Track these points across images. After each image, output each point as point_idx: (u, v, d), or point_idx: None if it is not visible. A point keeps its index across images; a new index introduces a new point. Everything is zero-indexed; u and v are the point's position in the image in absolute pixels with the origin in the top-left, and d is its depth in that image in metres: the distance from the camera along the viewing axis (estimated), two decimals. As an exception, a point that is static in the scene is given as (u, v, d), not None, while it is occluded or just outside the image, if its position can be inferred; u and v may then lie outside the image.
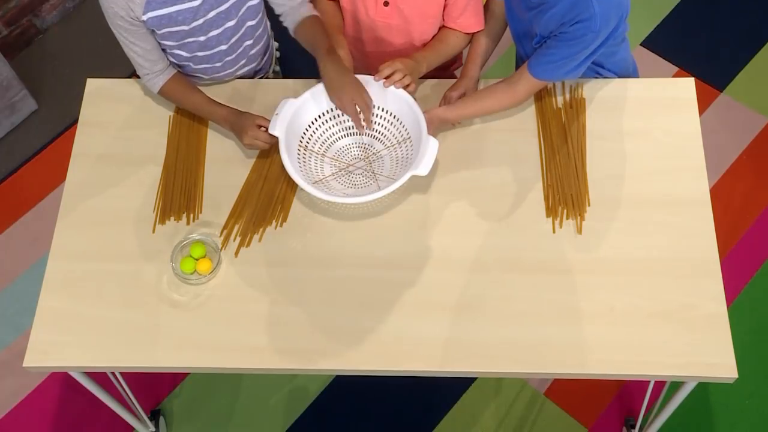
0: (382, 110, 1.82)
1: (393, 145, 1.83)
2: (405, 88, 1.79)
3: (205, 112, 1.89)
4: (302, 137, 1.80)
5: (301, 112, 1.80)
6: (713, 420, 2.33)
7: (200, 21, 1.80)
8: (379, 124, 1.84)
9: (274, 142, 1.79)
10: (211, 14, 1.80)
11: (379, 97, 1.80)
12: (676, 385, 1.80)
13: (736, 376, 1.59)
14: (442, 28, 1.96)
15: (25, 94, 2.85)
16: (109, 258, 1.77)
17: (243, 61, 1.97)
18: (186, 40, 1.83)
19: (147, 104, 1.97)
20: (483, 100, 1.85)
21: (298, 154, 1.78)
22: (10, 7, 2.93)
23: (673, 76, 2.85)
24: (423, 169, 1.68)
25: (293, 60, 2.20)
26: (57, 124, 2.90)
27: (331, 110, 1.83)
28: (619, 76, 1.96)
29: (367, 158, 1.84)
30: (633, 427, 2.25)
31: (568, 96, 1.92)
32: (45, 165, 2.83)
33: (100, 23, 1.81)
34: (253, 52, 1.98)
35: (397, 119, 1.81)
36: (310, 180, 1.76)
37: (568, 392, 2.37)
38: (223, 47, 1.89)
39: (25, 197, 2.76)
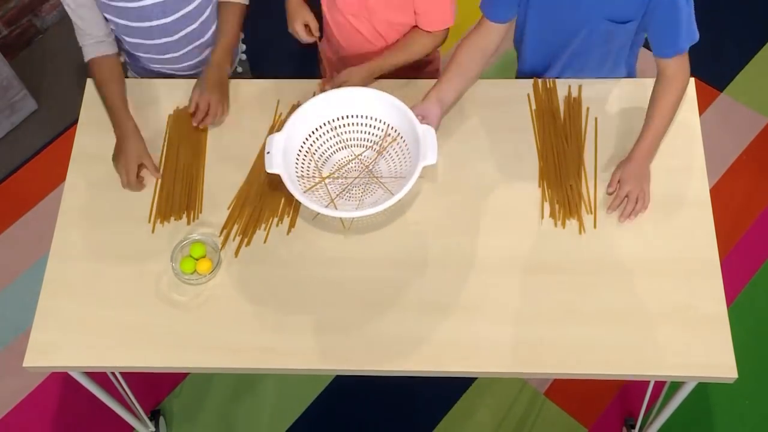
0: (367, 117, 1.81)
1: (384, 148, 1.81)
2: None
3: (109, 108, 1.89)
4: (296, 165, 1.77)
5: (289, 142, 1.75)
6: (713, 420, 2.33)
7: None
8: (364, 131, 1.83)
9: (137, 184, 1.82)
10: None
11: (361, 105, 1.79)
12: (676, 385, 1.80)
13: (736, 376, 1.59)
14: (411, 29, 1.96)
15: (25, 94, 2.85)
16: (109, 258, 1.77)
17: (188, 48, 1.97)
18: (120, 3, 1.83)
19: (147, 104, 1.97)
20: (660, 121, 1.76)
21: (299, 183, 1.75)
22: (10, 7, 2.93)
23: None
24: (431, 157, 1.67)
25: (262, 65, 2.22)
26: (57, 124, 2.90)
27: (316, 131, 1.80)
28: (629, 76, 1.96)
29: (365, 167, 1.82)
30: (633, 427, 2.25)
31: (567, 96, 1.92)
32: (45, 165, 2.83)
33: (100, 23, 1.82)
34: (199, 41, 1.98)
35: (382, 122, 1.80)
36: (323, 203, 1.73)
37: (568, 392, 2.37)
38: (160, 22, 1.88)
39: (25, 197, 2.76)
